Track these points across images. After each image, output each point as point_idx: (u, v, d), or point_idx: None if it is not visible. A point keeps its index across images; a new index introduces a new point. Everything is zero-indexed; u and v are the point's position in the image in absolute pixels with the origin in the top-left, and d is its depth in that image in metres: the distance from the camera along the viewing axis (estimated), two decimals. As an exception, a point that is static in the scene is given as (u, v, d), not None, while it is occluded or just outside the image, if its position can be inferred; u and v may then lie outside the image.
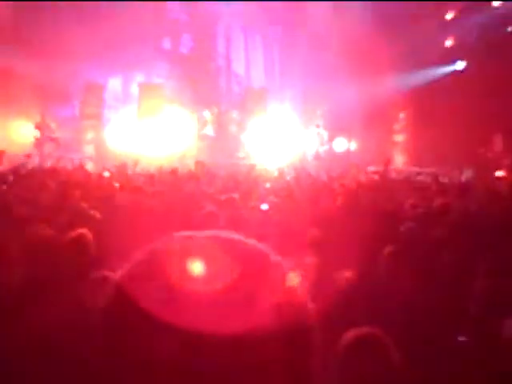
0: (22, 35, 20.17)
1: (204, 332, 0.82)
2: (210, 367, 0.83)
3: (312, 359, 0.91)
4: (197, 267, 0.87)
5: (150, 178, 13.35)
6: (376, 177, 16.30)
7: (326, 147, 23.76)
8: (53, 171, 13.07)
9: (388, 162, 17.51)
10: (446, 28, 23.51)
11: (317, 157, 23.18)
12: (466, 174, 18.51)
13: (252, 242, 0.96)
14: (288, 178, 15.28)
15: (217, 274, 0.86)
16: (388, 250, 5.23)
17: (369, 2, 22.12)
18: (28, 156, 18.05)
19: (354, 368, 2.81)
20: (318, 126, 23.68)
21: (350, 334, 2.89)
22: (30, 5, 20.57)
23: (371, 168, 20.92)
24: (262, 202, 9.00)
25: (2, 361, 3.53)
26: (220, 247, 0.92)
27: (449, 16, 23.58)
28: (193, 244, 0.93)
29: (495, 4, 22.52)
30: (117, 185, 11.57)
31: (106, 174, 13.76)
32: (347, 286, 4.43)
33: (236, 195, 9.31)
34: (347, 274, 4.61)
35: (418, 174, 18.78)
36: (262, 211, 8.30)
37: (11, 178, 11.79)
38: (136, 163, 16.51)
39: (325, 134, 23.81)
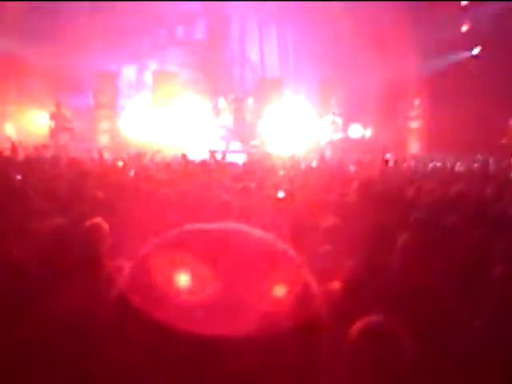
0: (35, 24, 20.23)
1: (213, 331, 0.82)
2: (220, 367, 0.82)
3: (321, 351, 0.90)
4: (203, 263, 0.86)
5: (166, 166, 13.39)
6: (391, 164, 16.24)
7: (341, 134, 23.67)
8: (68, 161, 13.11)
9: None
10: (461, 13, 23.32)
11: (331, 144, 23.11)
12: (482, 160, 18.41)
13: (262, 233, 0.95)
14: (303, 165, 15.24)
15: (225, 268, 0.86)
16: (403, 237, 5.21)
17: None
18: (44, 147, 18.14)
19: (366, 356, 2.80)
20: (334, 114, 23.56)
21: (363, 322, 2.89)
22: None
23: (387, 155, 20.87)
24: (278, 190, 8.99)
25: (14, 348, 3.56)
26: (228, 240, 0.91)
27: (464, 1, 23.39)
28: (199, 238, 0.91)
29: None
30: (132, 173, 11.62)
31: (120, 163, 13.78)
32: (362, 273, 4.42)
33: (252, 184, 9.31)
34: (362, 261, 4.60)
35: (433, 160, 18.76)
36: (277, 199, 8.29)
37: (27, 168, 11.84)
38: (157, 152, 16.52)
39: (340, 122, 23.72)
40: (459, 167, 16.58)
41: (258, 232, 0.95)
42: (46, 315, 3.74)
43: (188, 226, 0.95)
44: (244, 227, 0.96)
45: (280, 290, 0.87)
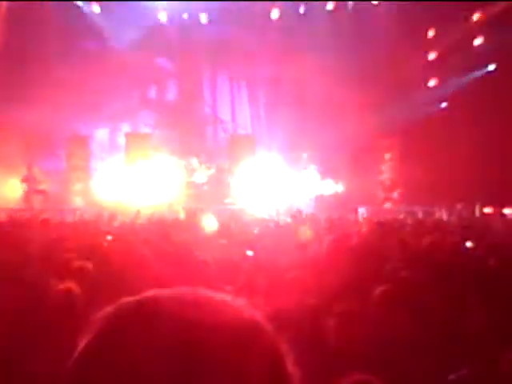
0: (7, 88, 20.27)
1: None
2: None
3: None
4: (165, 334, 0.81)
5: (141, 227, 13.35)
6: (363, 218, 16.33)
7: (318, 190, 23.82)
8: (41, 224, 12.98)
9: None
10: (429, 68, 23.85)
11: (308, 200, 23.25)
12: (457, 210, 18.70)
13: (236, 303, 0.90)
14: (272, 224, 15.10)
15: (194, 338, 0.81)
16: (379, 290, 5.20)
17: (352, 45, 22.45)
18: (17, 210, 18.06)
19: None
20: (313, 169, 23.83)
21: (343, 382, 2.86)
22: (15, 58, 20.76)
23: (361, 209, 21.02)
24: (251, 247, 8.98)
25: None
26: (200, 308, 0.86)
27: (431, 56, 23.94)
28: (167, 305, 0.86)
29: (476, 43, 22.93)
30: (109, 238, 11.49)
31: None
32: (338, 329, 4.40)
33: (224, 241, 9.30)
34: (338, 316, 4.58)
35: (402, 212, 18.99)
36: (250, 257, 8.27)
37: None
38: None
39: (317, 177, 23.89)
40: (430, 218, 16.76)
41: (224, 298, 0.90)
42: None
43: (150, 292, 0.90)
44: (208, 293, 0.90)
45: (256, 368, 0.82)
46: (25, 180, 21.48)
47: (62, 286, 4.72)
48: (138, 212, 16.64)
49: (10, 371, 3.83)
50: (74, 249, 8.49)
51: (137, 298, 0.89)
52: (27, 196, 21.36)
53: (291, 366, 0.88)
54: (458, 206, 19.20)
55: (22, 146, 21.36)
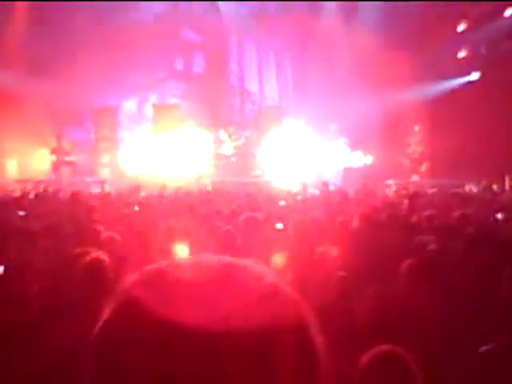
0: (36, 60, 20.36)
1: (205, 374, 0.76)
2: None
3: None
4: (189, 299, 0.81)
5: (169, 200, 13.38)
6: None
7: (346, 162, 23.74)
8: (70, 196, 13.10)
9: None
10: (458, 40, 23.47)
11: (337, 172, 23.18)
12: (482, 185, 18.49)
13: (261, 269, 0.89)
14: (299, 197, 15.02)
15: (212, 305, 0.80)
16: (407, 263, 5.16)
17: (382, 16, 22.16)
18: (46, 182, 18.21)
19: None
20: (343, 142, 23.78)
21: (371, 353, 2.85)
22: (44, 30, 20.79)
23: (389, 181, 20.87)
24: (279, 220, 8.93)
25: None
26: (216, 274, 0.86)
27: (461, 28, 23.54)
28: (192, 271, 0.86)
29: (507, 14, 22.48)
30: (137, 208, 11.58)
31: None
32: (368, 302, 4.39)
33: (257, 214, 9.26)
34: (368, 290, 4.56)
35: (432, 186, 18.79)
36: (279, 230, 8.23)
37: (28, 203, 11.84)
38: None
39: (346, 149, 23.82)
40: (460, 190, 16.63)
41: (248, 264, 0.89)
42: (43, 351, 3.71)
43: (170, 261, 0.90)
44: (232, 259, 0.90)
45: (270, 327, 0.81)
46: (54, 151, 21.63)
47: (91, 256, 4.74)
48: (164, 186, 16.60)
49: (39, 339, 3.88)
50: (102, 220, 8.56)
51: (158, 265, 0.88)
52: (56, 167, 21.52)
53: (316, 333, 0.87)
54: (488, 179, 18.92)
55: (50, 118, 21.48)
